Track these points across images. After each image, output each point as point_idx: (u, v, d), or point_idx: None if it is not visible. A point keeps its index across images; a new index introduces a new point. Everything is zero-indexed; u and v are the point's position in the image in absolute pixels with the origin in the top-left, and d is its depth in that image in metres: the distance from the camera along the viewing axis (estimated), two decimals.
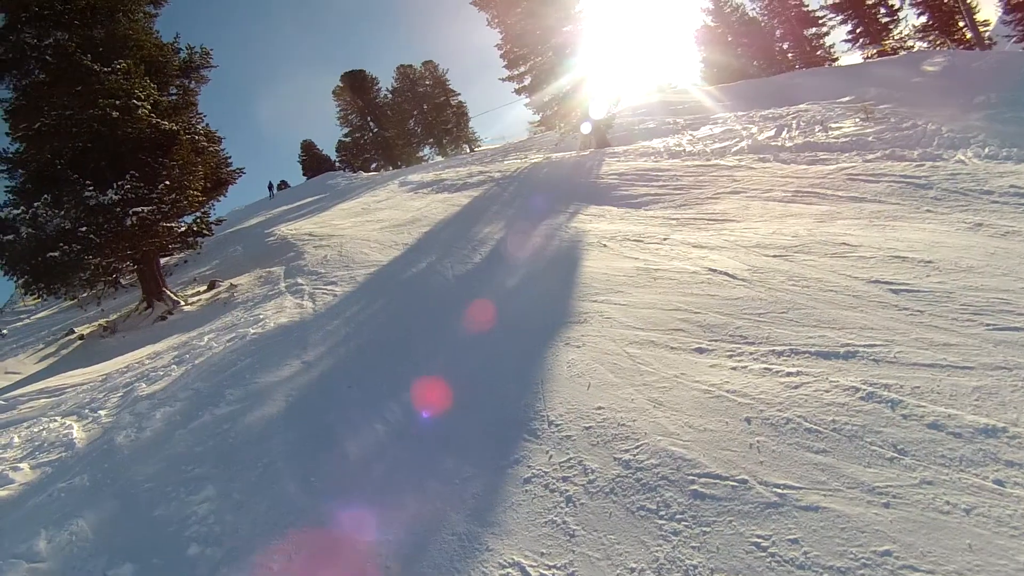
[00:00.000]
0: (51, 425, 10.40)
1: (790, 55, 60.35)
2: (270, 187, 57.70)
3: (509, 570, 4.60)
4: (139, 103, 20.41)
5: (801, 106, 25.71)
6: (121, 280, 22.83)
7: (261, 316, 13.66)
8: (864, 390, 5.65)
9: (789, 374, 6.24)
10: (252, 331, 12.48)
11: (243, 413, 8.63)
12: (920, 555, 3.87)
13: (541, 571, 4.50)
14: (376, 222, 22.42)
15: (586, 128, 31.22)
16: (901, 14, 55.50)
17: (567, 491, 5.27)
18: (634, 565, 4.35)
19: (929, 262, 8.53)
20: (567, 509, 5.05)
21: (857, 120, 21.19)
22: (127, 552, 6.00)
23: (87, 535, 6.52)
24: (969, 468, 4.47)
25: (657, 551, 4.41)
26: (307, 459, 6.99)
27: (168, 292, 22.36)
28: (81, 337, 21.28)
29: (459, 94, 78.64)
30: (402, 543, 5.14)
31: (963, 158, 14.57)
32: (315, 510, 5.95)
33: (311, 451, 7.16)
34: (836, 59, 58.66)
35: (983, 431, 4.81)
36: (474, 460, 6.11)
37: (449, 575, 4.70)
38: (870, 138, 18.34)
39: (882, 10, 55.76)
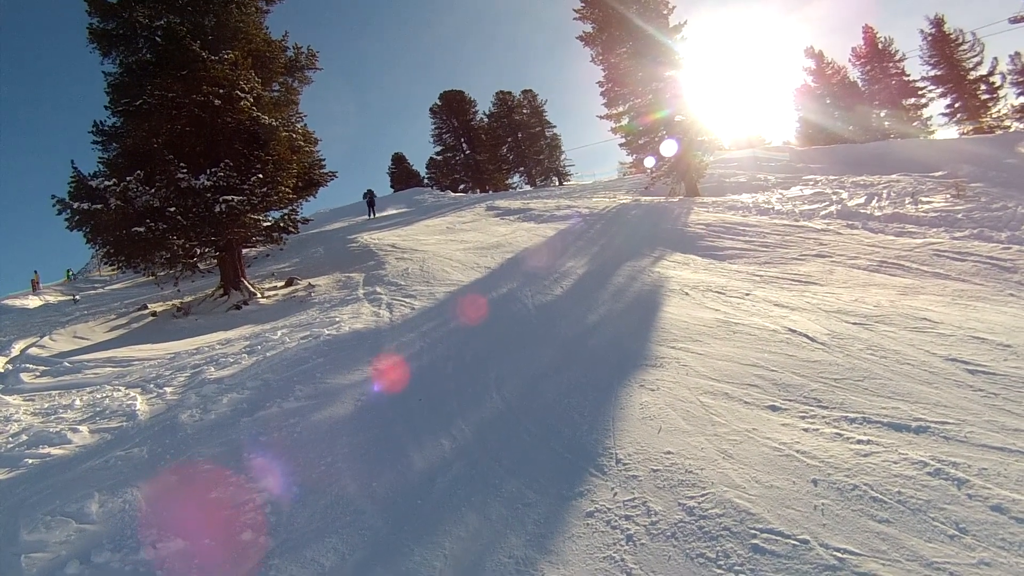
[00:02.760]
0: (115, 394, 10.74)
1: (886, 123, 59.45)
2: (369, 201, 45.22)
3: None
4: (242, 95, 20.99)
5: (893, 176, 25.39)
6: (200, 264, 23.19)
7: (337, 319, 13.94)
8: (932, 466, 5.63)
9: (860, 441, 6.23)
10: (327, 332, 12.76)
11: (311, 410, 8.84)
12: None
13: None
14: (460, 242, 22.68)
15: (679, 173, 31.17)
16: (1001, 92, 54.48)
17: (628, 529, 5.30)
18: None
19: (1008, 346, 8.42)
20: (627, 547, 5.08)
21: (948, 196, 20.90)
22: (178, 528, 6.16)
23: (140, 505, 6.73)
24: None
25: None
26: (370, 464, 7.14)
27: (246, 282, 22.79)
28: (154, 314, 21.74)
29: (555, 126, 78.61)
30: (459, 558, 5.24)
31: None
32: (374, 514, 6.08)
33: (375, 456, 7.31)
34: (932, 132, 57.66)
35: None
36: (538, 488, 6.17)
37: None
38: (959, 215, 18.12)
39: (982, 87, 54.78)
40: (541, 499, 5.96)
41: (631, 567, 4.84)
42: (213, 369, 11.39)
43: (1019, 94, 53.47)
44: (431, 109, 77.87)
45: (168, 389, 10.60)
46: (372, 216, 41.91)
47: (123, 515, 6.56)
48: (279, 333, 13.57)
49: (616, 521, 5.44)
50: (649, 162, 33.04)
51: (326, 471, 7.05)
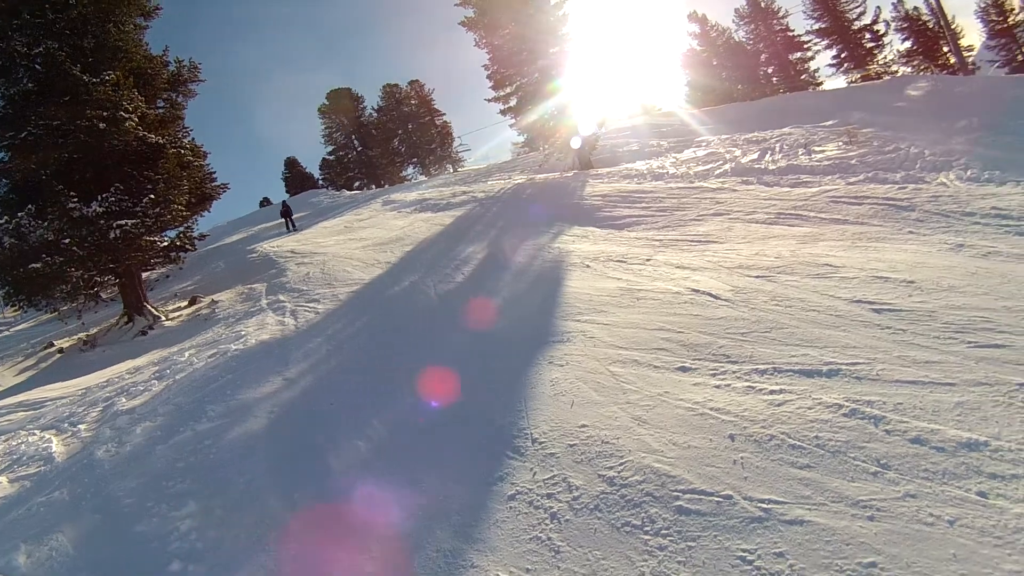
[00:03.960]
0: (30, 439, 10.30)
1: (775, 79, 60.90)
2: (284, 212, 38.09)
3: None
4: (127, 115, 20.26)
5: (784, 129, 25.90)
6: (102, 294, 22.62)
7: (243, 332, 13.63)
8: (847, 407, 5.72)
9: (772, 392, 6.31)
10: (234, 347, 12.45)
11: (225, 429, 8.62)
12: (906, 566, 3.93)
13: None
14: (359, 240, 22.49)
15: (571, 148, 31.34)
16: (886, 40, 56.30)
17: (551, 508, 5.30)
18: None
19: (911, 282, 8.62)
20: (552, 525, 5.08)
21: (840, 143, 21.39)
22: (108, 568, 5.99)
23: (67, 550, 6.49)
24: (952, 481, 4.54)
25: (643, 566, 4.44)
26: (290, 475, 6.99)
27: (149, 307, 22.21)
28: (61, 351, 21.02)
29: (444, 114, 78.67)
30: (387, 559, 5.16)
31: (945, 181, 14.75)
32: (298, 526, 5.95)
33: (294, 467, 7.17)
34: (820, 83, 59.28)
35: (965, 445, 4.88)
36: (458, 477, 6.15)
37: None
38: (853, 161, 18.55)
39: (867, 36, 56.49)
40: (462, 488, 5.95)
41: (559, 545, 4.85)
42: (125, 399, 11.01)
43: (904, 40, 55.35)
44: (319, 109, 77.23)
45: (82, 426, 10.22)
46: (291, 229, 35.57)
47: (51, 562, 6.35)
48: (187, 354, 13.20)
49: (539, 501, 5.45)
50: (543, 140, 33.13)
51: (246, 489, 6.90)
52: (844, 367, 6.52)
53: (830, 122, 25.75)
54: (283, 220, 37.73)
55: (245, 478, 7.12)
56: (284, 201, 41.30)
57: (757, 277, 10.03)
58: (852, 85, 49.29)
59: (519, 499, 5.55)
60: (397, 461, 6.76)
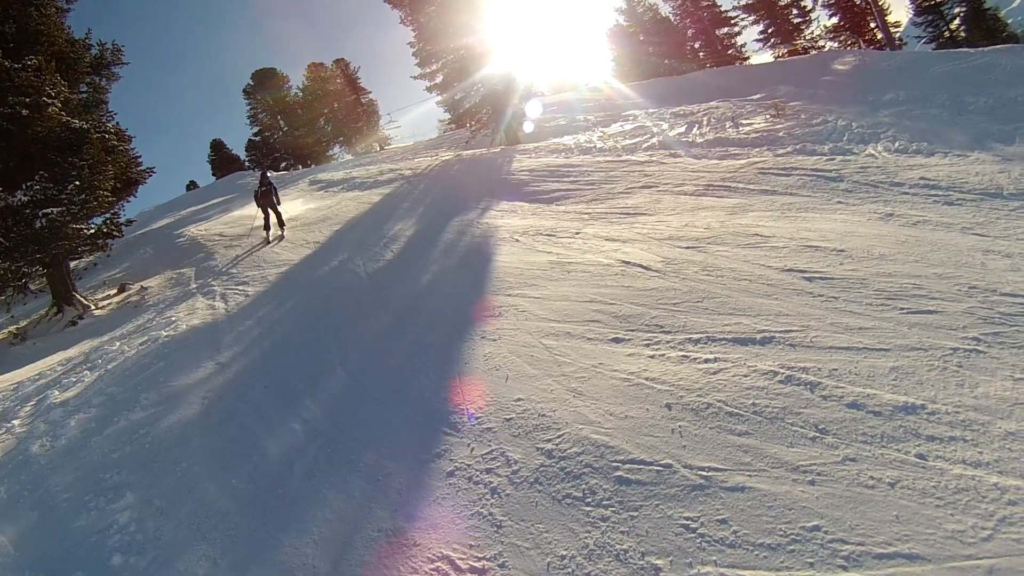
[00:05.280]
0: None
1: (701, 54, 61.38)
2: (265, 201, 21.05)
3: (439, 564, 4.59)
4: (50, 100, 19.65)
5: (712, 103, 26.15)
6: (31, 285, 22.05)
7: (173, 318, 13.35)
8: (782, 374, 5.82)
9: (707, 360, 6.38)
10: (164, 334, 12.20)
11: (159, 417, 8.44)
12: (848, 529, 4.01)
13: (471, 563, 4.52)
14: (287, 221, 22.19)
15: (498, 124, 31.27)
16: (813, 15, 57.03)
17: (491, 482, 5.31)
18: (564, 552, 4.40)
19: (842, 250, 8.80)
20: (493, 500, 5.09)
21: (768, 117, 21.67)
22: (48, 565, 5.83)
23: (7, 549, 6.31)
24: (891, 444, 4.65)
25: (586, 537, 4.47)
26: (227, 461, 6.87)
27: (78, 296, 21.47)
28: None
29: (370, 92, 77.63)
30: (328, 542, 5.12)
31: (873, 152, 15.08)
32: (238, 512, 5.87)
33: (230, 453, 7.05)
34: (747, 58, 59.95)
35: (902, 409, 5.00)
36: (396, 456, 6.10)
37: (377, 572, 4.68)
38: (780, 134, 18.81)
39: (794, 11, 57.21)
40: (400, 467, 5.91)
41: (500, 520, 4.86)
42: (57, 392, 10.67)
43: (831, 15, 56.14)
44: (245, 90, 75.60)
45: (16, 422, 9.86)
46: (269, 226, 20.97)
47: None
48: (118, 343, 12.84)
49: (478, 476, 5.45)
50: (470, 116, 33.01)
51: (183, 477, 6.76)
52: (778, 335, 6.63)
53: (757, 96, 26.09)
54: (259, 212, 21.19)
55: (182, 466, 6.99)
56: (264, 176, 22.41)
57: (687, 248, 10.12)
58: (779, 60, 49.97)
59: (458, 475, 5.53)
60: (333, 442, 6.69)
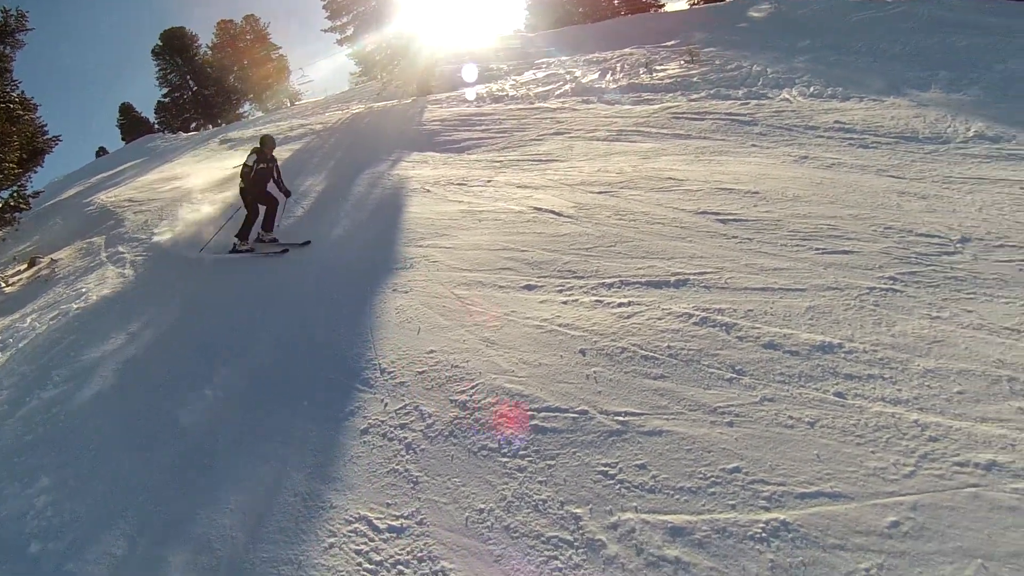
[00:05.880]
0: None
1: (616, 2, 61.40)
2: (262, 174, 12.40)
3: (356, 525, 4.53)
4: None
5: (626, 50, 26.13)
6: None
7: (83, 290, 12.89)
8: (697, 316, 5.81)
9: (621, 305, 6.35)
10: (75, 306, 11.78)
11: (72, 393, 8.17)
12: (769, 469, 4.01)
13: (389, 522, 4.46)
14: (194, 181, 21.70)
15: (409, 75, 30.96)
16: None
17: (406, 438, 5.25)
18: (482, 506, 4.35)
19: (756, 193, 8.83)
20: (408, 457, 5.04)
21: (682, 62, 21.70)
22: None
23: None
24: (809, 383, 4.66)
25: (504, 489, 4.43)
26: (141, 434, 6.66)
27: None
28: None
29: (280, 48, 76.58)
30: (245, 510, 5.01)
31: (788, 97, 15.18)
32: (155, 487, 5.70)
33: (144, 425, 6.83)
34: (662, 6, 60.04)
35: (819, 348, 5.02)
36: (309, 415, 6.03)
37: (295, 537, 4.60)
38: (695, 79, 18.86)
39: None
40: (315, 427, 5.83)
41: (416, 476, 4.82)
42: None
43: None
44: (153, 51, 73.74)
45: None
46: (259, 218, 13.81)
47: None
48: (28, 320, 12.38)
49: (392, 432, 5.40)
50: (381, 68, 32.61)
51: (98, 454, 6.55)
52: (692, 277, 6.62)
53: (672, 42, 26.13)
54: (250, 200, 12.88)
55: (96, 442, 6.78)
56: (269, 143, 12.69)
57: (600, 193, 10.08)
58: (695, 7, 50.12)
59: (372, 432, 5.47)
60: (247, 404, 6.57)
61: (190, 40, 75.62)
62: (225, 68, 74.24)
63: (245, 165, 11.81)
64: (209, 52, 75.39)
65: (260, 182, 11.92)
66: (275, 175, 12.37)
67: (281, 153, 20.67)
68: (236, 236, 11.92)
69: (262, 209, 12.04)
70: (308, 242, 11.31)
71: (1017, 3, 19.69)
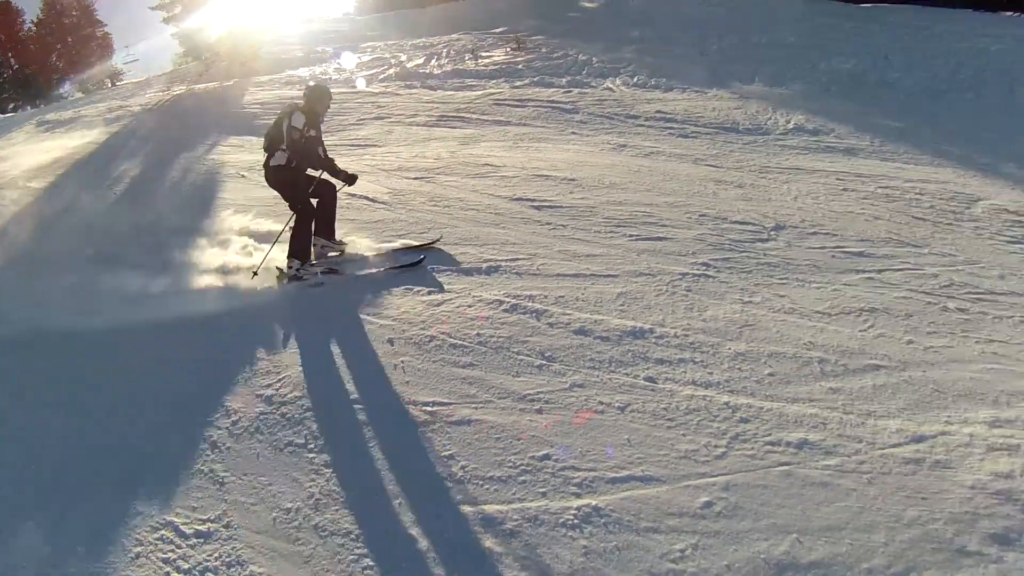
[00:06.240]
0: None
1: None
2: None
3: (163, 532, 4.30)
4: None
5: (453, 36, 26.18)
6: None
7: None
8: (508, 302, 5.83)
9: (430, 292, 6.32)
10: None
11: None
12: (579, 455, 4.04)
13: (196, 527, 4.27)
14: (12, 167, 20.52)
15: (233, 56, 30.34)
16: None
17: (210, 436, 5.04)
18: (290, 505, 4.23)
19: (572, 180, 8.94)
20: (213, 456, 4.85)
21: (508, 50, 21.82)
22: None
23: None
24: (620, 369, 4.73)
25: (311, 487, 4.33)
26: None
27: None
28: None
29: (105, 25, 73.36)
30: (44, 524, 4.62)
31: (611, 86, 15.49)
32: None
33: None
34: None
35: (630, 333, 5.10)
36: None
37: (99, 547, 4.30)
38: (520, 66, 19.00)
39: None
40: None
41: (222, 476, 4.65)
42: None
43: None
44: None
45: None
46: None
47: None
48: None
49: (195, 431, 5.15)
50: (206, 49, 31.92)
51: None
52: (504, 263, 6.64)
53: (500, 29, 26.29)
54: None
55: None
56: (320, 93, 7.74)
57: (415, 179, 10.07)
58: None
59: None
60: (53, 422, 5.86)
61: (15, 15, 71.78)
62: (49, 45, 71.01)
63: (294, 128, 7.12)
64: (34, 29, 72.04)
65: (311, 157, 7.38)
66: (323, 150, 7.65)
67: (100, 136, 19.76)
68: (289, 255, 7.30)
69: (314, 205, 7.58)
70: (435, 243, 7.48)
71: (844, 4, 20.71)
